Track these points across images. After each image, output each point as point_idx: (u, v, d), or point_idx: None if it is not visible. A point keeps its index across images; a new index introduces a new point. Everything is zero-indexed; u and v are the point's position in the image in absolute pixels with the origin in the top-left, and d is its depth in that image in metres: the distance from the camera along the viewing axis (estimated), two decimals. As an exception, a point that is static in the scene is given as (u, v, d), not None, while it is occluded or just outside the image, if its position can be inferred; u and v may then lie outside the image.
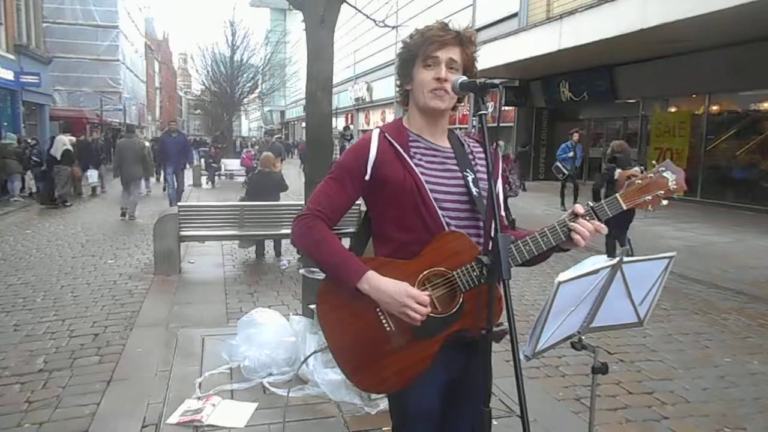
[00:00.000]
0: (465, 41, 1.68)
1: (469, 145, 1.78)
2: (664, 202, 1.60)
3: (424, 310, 1.53)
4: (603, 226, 1.59)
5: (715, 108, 13.47)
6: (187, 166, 14.02)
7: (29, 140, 16.06)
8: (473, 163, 1.74)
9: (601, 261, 1.87)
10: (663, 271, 2.01)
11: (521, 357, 1.82)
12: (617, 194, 1.61)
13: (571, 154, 12.37)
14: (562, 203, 12.60)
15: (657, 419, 3.45)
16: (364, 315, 1.61)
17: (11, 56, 20.05)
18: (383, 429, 3.11)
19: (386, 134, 1.68)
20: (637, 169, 6.62)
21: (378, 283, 1.55)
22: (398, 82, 1.78)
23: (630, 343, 4.72)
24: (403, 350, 1.60)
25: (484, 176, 1.71)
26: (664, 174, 1.60)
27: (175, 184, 12.79)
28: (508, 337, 1.43)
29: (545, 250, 1.60)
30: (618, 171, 6.92)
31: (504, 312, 1.48)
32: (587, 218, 1.58)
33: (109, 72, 34.93)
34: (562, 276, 1.73)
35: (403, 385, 1.62)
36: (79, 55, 32.91)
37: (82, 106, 31.59)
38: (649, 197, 1.59)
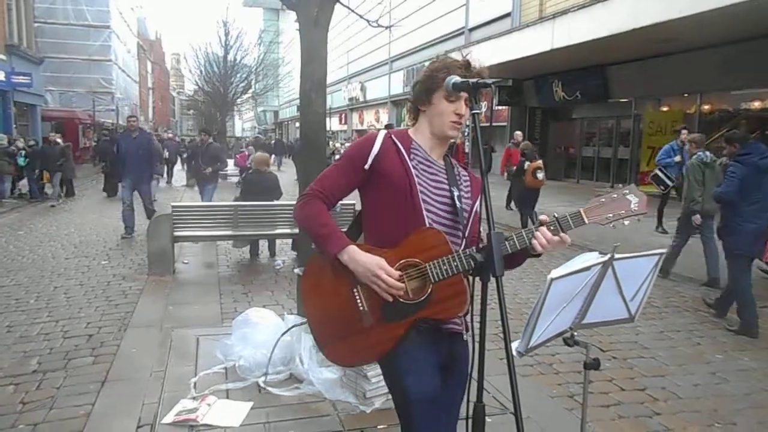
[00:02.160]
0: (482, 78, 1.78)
1: (458, 169, 1.95)
2: (626, 222, 1.70)
3: (392, 282, 1.68)
4: (567, 237, 1.72)
5: (706, 107, 13.56)
6: (154, 179, 10.57)
7: (28, 141, 16.03)
8: (459, 183, 1.89)
9: (592, 258, 1.89)
10: (653, 267, 2.04)
11: (514, 353, 1.85)
12: (581, 209, 1.70)
13: (677, 158, 9.29)
14: (660, 223, 9.56)
15: (649, 415, 3.48)
16: (341, 293, 1.78)
17: (2, 56, 19.93)
18: (378, 427, 3.13)
19: (392, 135, 1.86)
20: (540, 162, 9.44)
21: (355, 255, 1.72)
22: (412, 101, 1.91)
23: (622, 340, 4.76)
24: (372, 330, 1.76)
25: (467, 195, 1.90)
26: (627, 196, 1.69)
27: (142, 207, 9.56)
28: (501, 335, 1.45)
29: (511, 254, 1.71)
30: (527, 163, 9.33)
31: (498, 308, 1.50)
32: (551, 228, 1.70)
33: (101, 72, 34.76)
34: (555, 273, 1.76)
35: (369, 361, 1.93)
36: (70, 55, 32.72)
37: (74, 107, 31.42)
38: (611, 215, 1.69)
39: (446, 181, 1.86)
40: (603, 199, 1.68)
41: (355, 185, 1.86)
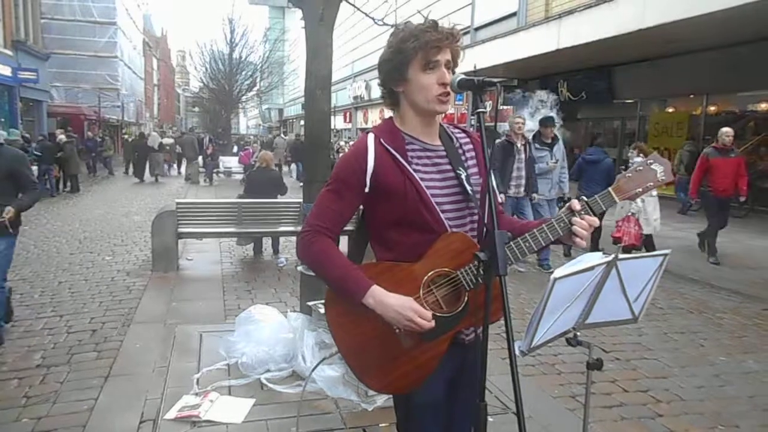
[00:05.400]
0: (455, 39, 1.67)
1: (457, 139, 1.78)
2: (654, 193, 1.69)
3: (427, 325, 1.56)
4: (596, 219, 1.63)
5: (712, 108, 13.50)
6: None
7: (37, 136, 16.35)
8: (463, 158, 1.75)
9: (596, 258, 1.89)
10: (658, 268, 2.03)
11: (516, 352, 1.85)
12: (610, 188, 1.66)
13: None
14: None
15: (652, 417, 3.47)
16: (373, 318, 1.62)
17: (9, 52, 19.98)
18: (380, 425, 3.13)
19: (382, 140, 1.66)
20: None
21: (382, 298, 1.57)
22: (383, 83, 1.73)
23: (626, 341, 4.75)
24: (412, 351, 1.63)
25: (475, 171, 1.75)
26: (653, 166, 1.67)
27: None
28: (503, 334, 1.45)
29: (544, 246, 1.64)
30: None
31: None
32: (582, 213, 1.62)
33: (107, 69, 34.82)
34: (558, 272, 1.75)
35: (413, 386, 1.66)
36: (77, 51, 32.76)
37: (80, 103, 31.51)
38: (640, 189, 1.66)
39: (450, 167, 1.70)
40: (629, 174, 1.66)
41: (357, 207, 1.71)
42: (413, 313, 1.54)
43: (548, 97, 10.46)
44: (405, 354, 1.63)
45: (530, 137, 7.33)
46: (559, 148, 7.48)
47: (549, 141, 7.38)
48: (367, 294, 1.58)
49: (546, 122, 7.43)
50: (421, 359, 1.63)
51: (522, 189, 6.92)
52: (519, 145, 6.85)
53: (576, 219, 1.60)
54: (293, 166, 20.93)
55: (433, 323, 1.57)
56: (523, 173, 6.92)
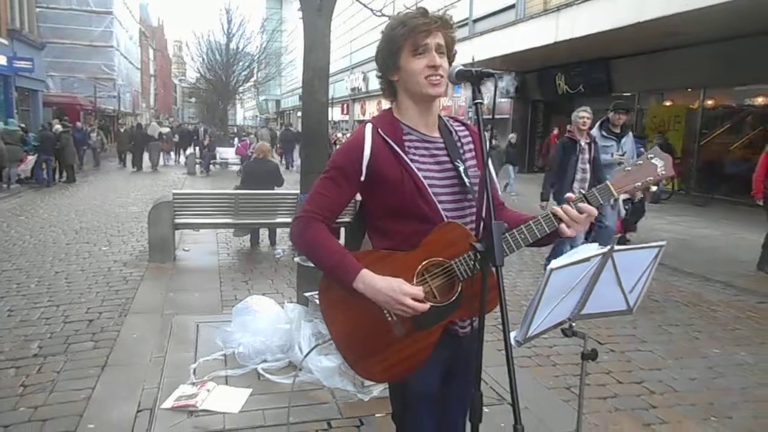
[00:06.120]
0: (446, 25, 1.66)
1: (456, 132, 1.77)
2: (653, 188, 1.66)
3: (419, 306, 1.55)
4: (593, 209, 1.59)
5: (710, 102, 13.53)
6: None
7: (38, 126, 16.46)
8: (461, 151, 1.74)
9: (592, 249, 1.90)
10: (653, 259, 2.04)
11: (512, 342, 1.85)
12: (608, 182, 1.64)
13: None
14: None
15: (645, 408, 3.50)
16: (366, 307, 1.61)
17: (4, 41, 19.85)
18: (376, 415, 3.15)
19: (379, 130, 1.66)
20: None
21: (372, 281, 1.56)
22: (380, 74, 1.74)
23: (620, 333, 4.78)
24: (405, 340, 1.63)
25: (474, 164, 1.74)
26: (653, 161, 1.64)
27: None
28: (500, 326, 1.45)
29: (540, 238, 1.62)
30: None
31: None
32: (579, 204, 1.59)
33: (103, 58, 34.65)
34: (555, 263, 1.76)
35: (405, 374, 1.66)
36: (72, 40, 32.58)
37: (75, 93, 31.35)
38: (639, 183, 1.64)
39: (448, 159, 1.70)
40: (629, 168, 1.63)
41: (353, 196, 1.70)
42: (404, 295, 1.53)
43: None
44: (397, 342, 1.63)
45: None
46: (628, 140, 6.39)
47: (618, 131, 6.40)
48: (357, 278, 1.57)
49: (618, 108, 6.37)
50: (413, 348, 1.63)
51: None
52: (583, 144, 5.94)
53: (566, 207, 1.59)
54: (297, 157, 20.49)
55: (427, 305, 1.56)
56: (588, 176, 5.92)
